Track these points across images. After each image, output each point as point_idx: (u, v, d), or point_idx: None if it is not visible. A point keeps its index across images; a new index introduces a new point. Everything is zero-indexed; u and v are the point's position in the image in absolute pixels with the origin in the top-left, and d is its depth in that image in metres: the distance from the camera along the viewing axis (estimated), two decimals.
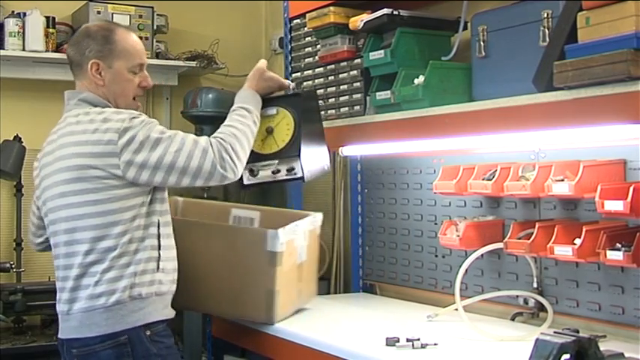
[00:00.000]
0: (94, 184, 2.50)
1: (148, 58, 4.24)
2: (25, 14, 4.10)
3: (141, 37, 4.22)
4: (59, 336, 2.64)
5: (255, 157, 2.86)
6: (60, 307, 2.63)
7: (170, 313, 2.64)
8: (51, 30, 4.17)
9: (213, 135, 2.65)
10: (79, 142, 2.55)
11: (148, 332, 2.54)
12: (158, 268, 2.58)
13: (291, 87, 3.01)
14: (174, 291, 2.66)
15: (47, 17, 4.16)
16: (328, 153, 3.03)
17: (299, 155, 2.84)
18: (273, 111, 2.96)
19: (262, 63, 2.95)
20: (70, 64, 2.72)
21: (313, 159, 2.92)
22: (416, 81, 2.82)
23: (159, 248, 2.59)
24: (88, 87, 2.67)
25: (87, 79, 2.66)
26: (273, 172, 2.86)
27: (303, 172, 2.83)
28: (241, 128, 2.69)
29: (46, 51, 4.14)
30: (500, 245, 2.83)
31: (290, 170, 2.85)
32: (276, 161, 2.87)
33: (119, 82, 2.67)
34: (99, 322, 2.51)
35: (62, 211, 2.56)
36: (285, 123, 2.92)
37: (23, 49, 4.09)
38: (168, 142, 2.54)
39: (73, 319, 2.57)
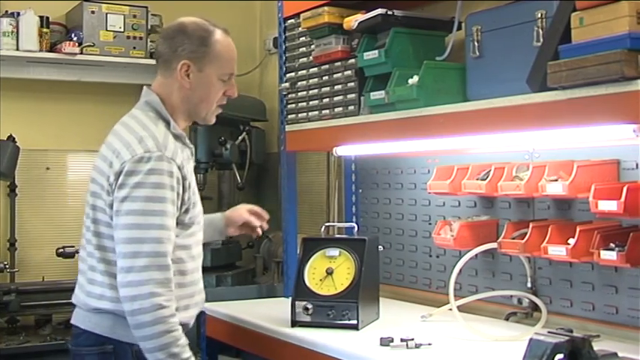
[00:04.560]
0: (102, 192, 2.43)
1: (141, 57, 4.32)
2: (18, 14, 4.09)
3: (135, 37, 4.31)
4: None
5: (310, 296, 2.87)
6: None
7: None
8: (45, 30, 4.17)
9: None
10: (109, 144, 2.48)
11: None
12: None
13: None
14: None
15: (41, 17, 4.15)
16: (379, 304, 3.04)
17: (357, 303, 2.82)
18: (335, 252, 2.96)
19: None
20: (157, 57, 2.63)
21: (369, 308, 2.92)
22: (410, 81, 2.82)
23: None
24: (166, 87, 2.57)
25: (172, 78, 2.55)
26: (327, 314, 2.84)
27: (358, 320, 2.82)
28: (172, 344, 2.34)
29: (40, 50, 4.13)
30: (494, 245, 2.83)
31: (344, 315, 2.83)
32: (332, 304, 2.85)
33: (205, 88, 2.57)
34: None
35: (87, 208, 2.52)
36: (345, 267, 2.92)
37: (17, 49, 4.08)
38: (137, 208, 2.35)
39: None
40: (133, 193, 2.35)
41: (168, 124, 2.53)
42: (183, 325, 2.44)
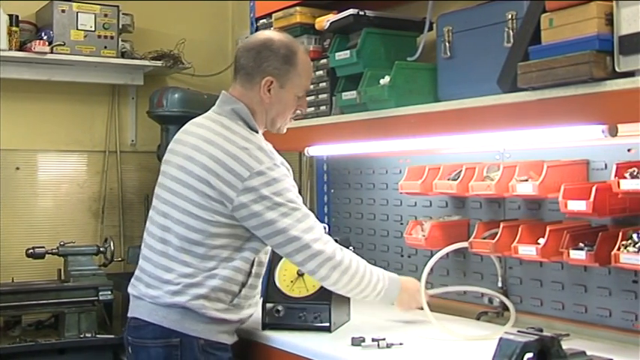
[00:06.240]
0: (203, 200, 2.51)
1: (112, 57, 4.29)
2: None
3: (106, 37, 4.28)
4: None
5: (281, 298, 2.85)
6: None
7: None
8: (14, 28, 4.12)
9: (349, 257, 2.59)
10: (212, 156, 2.53)
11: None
12: None
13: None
14: None
15: (10, 15, 4.10)
16: (350, 305, 3.01)
17: (329, 305, 2.80)
18: None
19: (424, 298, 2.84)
20: (239, 68, 2.67)
21: (340, 310, 2.89)
22: (382, 81, 2.83)
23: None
24: (247, 98, 2.65)
25: (253, 91, 2.64)
26: (299, 317, 2.82)
27: (330, 322, 2.80)
28: (365, 280, 2.61)
29: (10, 49, 4.08)
30: (465, 245, 2.84)
31: (316, 317, 2.80)
32: (304, 306, 2.83)
33: (283, 104, 2.67)
34: None
35: (174, 210, 2.58)
36: None
37: None
38: (286, 211, 2.49)
39: None
40: (267, 204, 2.47)
41: (257, 133, 2.63)
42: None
